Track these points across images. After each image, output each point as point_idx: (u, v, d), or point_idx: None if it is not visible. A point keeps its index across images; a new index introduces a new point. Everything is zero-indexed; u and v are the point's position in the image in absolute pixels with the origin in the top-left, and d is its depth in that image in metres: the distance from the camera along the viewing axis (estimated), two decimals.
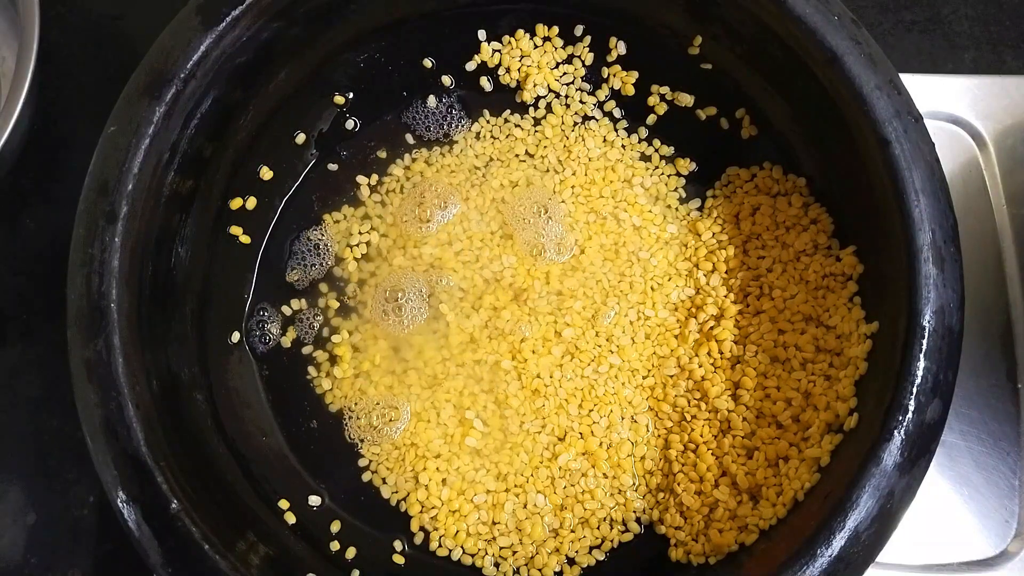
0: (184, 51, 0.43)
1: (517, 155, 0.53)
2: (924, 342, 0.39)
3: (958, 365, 0.40)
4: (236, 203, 0.50)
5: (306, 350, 0.51)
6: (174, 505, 0.38)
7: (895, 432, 0.38)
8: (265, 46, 0.47)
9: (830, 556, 0.37)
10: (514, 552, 0.47)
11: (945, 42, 0.59)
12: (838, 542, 0.37)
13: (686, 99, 0.52)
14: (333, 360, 0.51)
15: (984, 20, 0.59)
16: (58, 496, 0.50)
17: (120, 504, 0.39)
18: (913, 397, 0.38)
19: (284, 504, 0.47)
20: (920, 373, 0.38)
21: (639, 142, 0.53)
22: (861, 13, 0.58)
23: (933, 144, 0.42)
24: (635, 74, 0.53)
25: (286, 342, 0.51)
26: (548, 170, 0.53)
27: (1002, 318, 0.52)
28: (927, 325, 0.39)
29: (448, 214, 0.52)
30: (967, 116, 0.55)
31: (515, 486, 0.48)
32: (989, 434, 0.49)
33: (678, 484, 0.46)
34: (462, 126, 0.54)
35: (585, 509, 0.47)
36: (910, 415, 0.38)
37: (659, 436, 0.48)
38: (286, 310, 0.51)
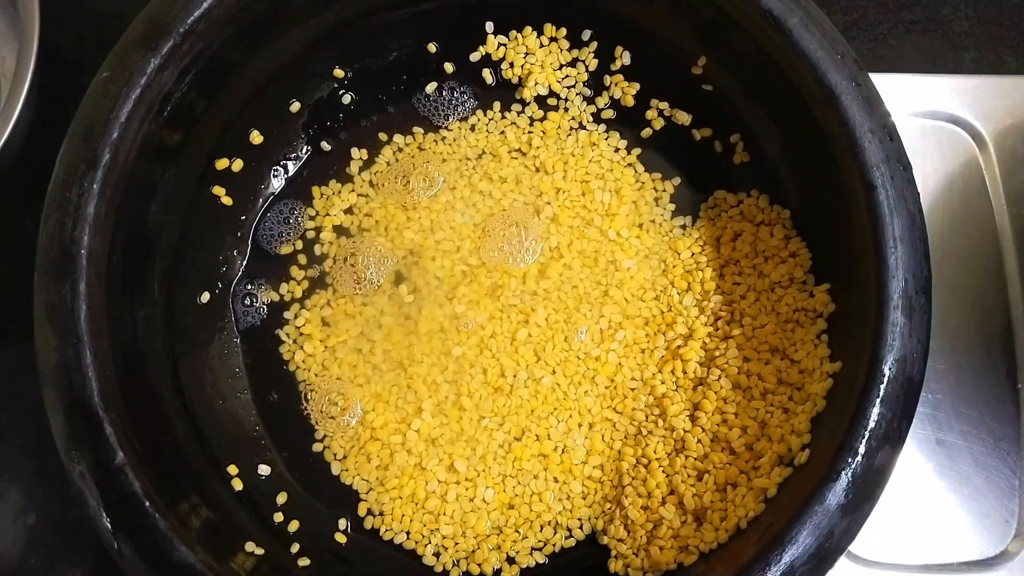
0: (186, 7, 0.42)
1: (509, 151, 0.53)
2: (882, 388, 0.39)
3: (913, 415, 0.40)
4: (222, 163, 0.50)
5: (276, 319, 0.51)
6: (119, 458, 0.38)
7: (842, 473, 0.38)
8: (271, 9, 0.47)
9: None
10: (456, 544, 0.47)
11: (945, 42, 0.59)
12: (772, 574, 0.38)
13: (683, 117, 0.52)
14: (301, 332, 0.51)
15: (984, 20, 0.59)
16: (58, 496, 0.50)
17: (65, 453, 0.38)
18: (864, 441, 0.38)
19: (233, 470, 0.46)
20: (874, 419, 0.39)
21: (630, 154, 0.53)
22: (861, 13, 0.58)
23: (918, 194, 0.42)
24: (636, 86, 0.53)
25: (257, 309, 0.51)
26: (538, 170, 0.53)
27: (1002, 318, 0.52)
28: (887, 372, 0.39)
29: (435, 192, 0.52)
30: (967, 116, 0.55)
31: (465, 479, 0.48)
32: (989, 434, 0.50)
33: (626, 497, 0.47)
34: (458, 116, 0.54)
35: (531, 510, 0.48)
36: (859, 458, 0.38)
37: (613, 447, 0.48)
38: (261, 277, 0.51)
